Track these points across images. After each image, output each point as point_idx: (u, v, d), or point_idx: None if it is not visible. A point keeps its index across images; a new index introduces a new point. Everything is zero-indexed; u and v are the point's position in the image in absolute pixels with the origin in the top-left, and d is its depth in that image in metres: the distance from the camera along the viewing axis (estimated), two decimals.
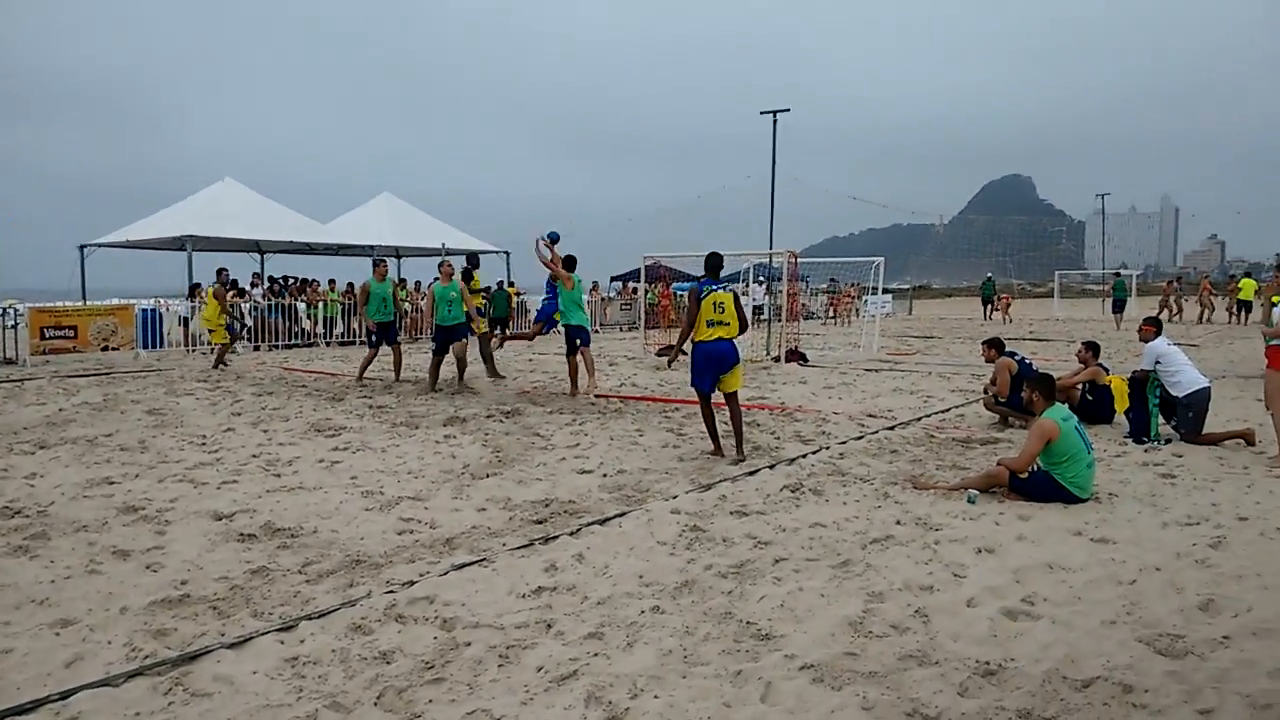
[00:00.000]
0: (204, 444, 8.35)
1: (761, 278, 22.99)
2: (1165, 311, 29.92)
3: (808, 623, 3.93)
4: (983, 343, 10.01)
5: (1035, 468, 6.08)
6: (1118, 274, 34.03)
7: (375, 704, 3.22)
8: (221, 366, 15.83)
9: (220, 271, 17.98)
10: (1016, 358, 9.16)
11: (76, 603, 4.22)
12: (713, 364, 7.57)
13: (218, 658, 3.61)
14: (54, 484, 6.65)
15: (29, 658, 3.62)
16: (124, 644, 3.74)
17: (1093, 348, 9.31)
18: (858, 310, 29.23)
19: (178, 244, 21.39)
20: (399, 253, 28.83)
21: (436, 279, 12.45)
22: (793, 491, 6.30)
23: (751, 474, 6.90)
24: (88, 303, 21.12)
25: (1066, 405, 8.51)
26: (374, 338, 13.36)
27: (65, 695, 3.26)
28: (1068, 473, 5.98)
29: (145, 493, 6.39)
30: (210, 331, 16.97)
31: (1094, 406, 9.02)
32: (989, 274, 37.93)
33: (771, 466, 7.15)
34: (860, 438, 8.49)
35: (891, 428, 9.06)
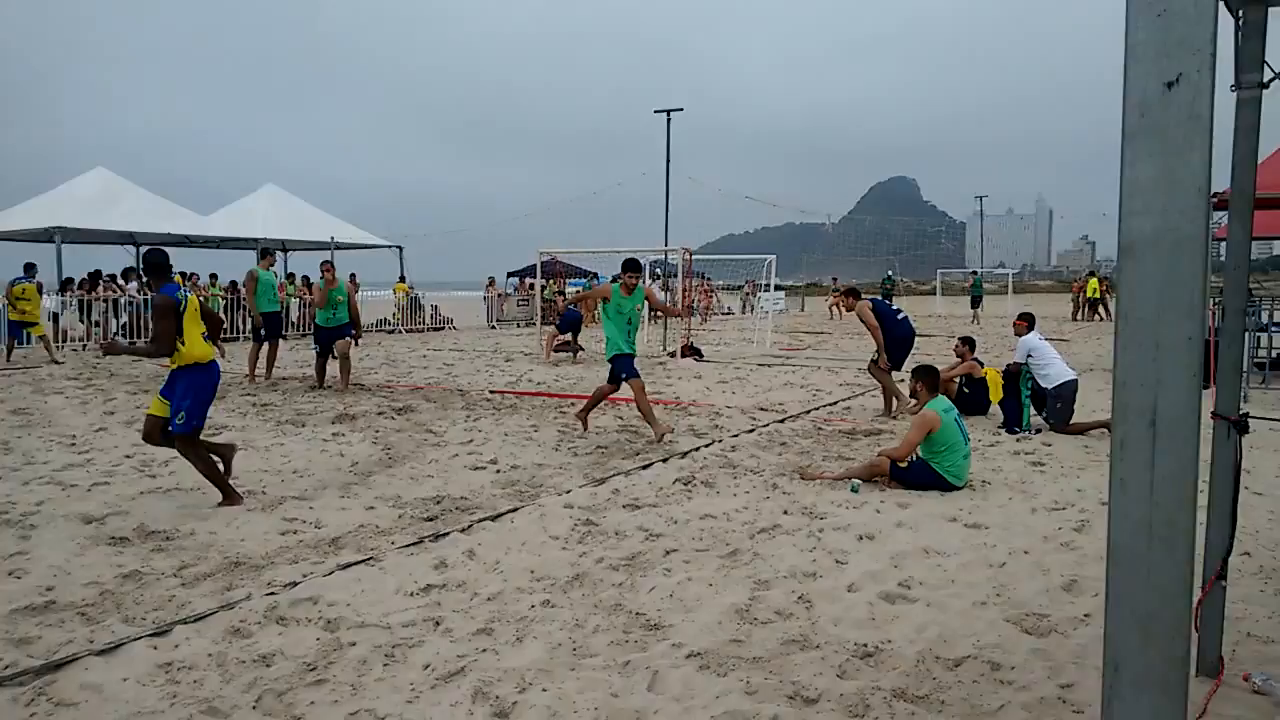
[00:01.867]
0: (74, 444, 7.94)
1: (658, 273, 23.19)
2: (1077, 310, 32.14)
3: (696, 612, 4.00)
4: (838, 292, 11.08)
5: (914, 457, 6.34)
6: (975, 273, 36.50)
7: (254, 707, 3.13)
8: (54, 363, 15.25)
9: (28, 266, 17.06)
10: (868, 298, 10.09)
11: None
12: None
13: (85, 665, 3.44)
14: None
15: None
16: None
17: (969, 343, 9.75)
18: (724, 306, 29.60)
19: (46, 235, 20.19)
20: (285, 246, 27.90)
21: (322, 279, 12.00)
22: (685, 484, 6.39)
23: (645, 468, 6.97)
24: None
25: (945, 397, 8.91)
26: (260, 331, 12.85)
27: None
28: (945, 461, 6.25)
29: (9, 495, 6.04)
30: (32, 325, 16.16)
31: (971, 398, 9.44)
32: (889, 271, 39.20)
33: (665, 460, 7.23)
34: (752, 431, 8.67)
35: (782, 420, 9.28)
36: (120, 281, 20.72)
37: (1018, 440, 8.21)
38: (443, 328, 27.17)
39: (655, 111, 21.11)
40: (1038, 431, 8.52)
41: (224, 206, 26.56)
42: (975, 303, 32.22)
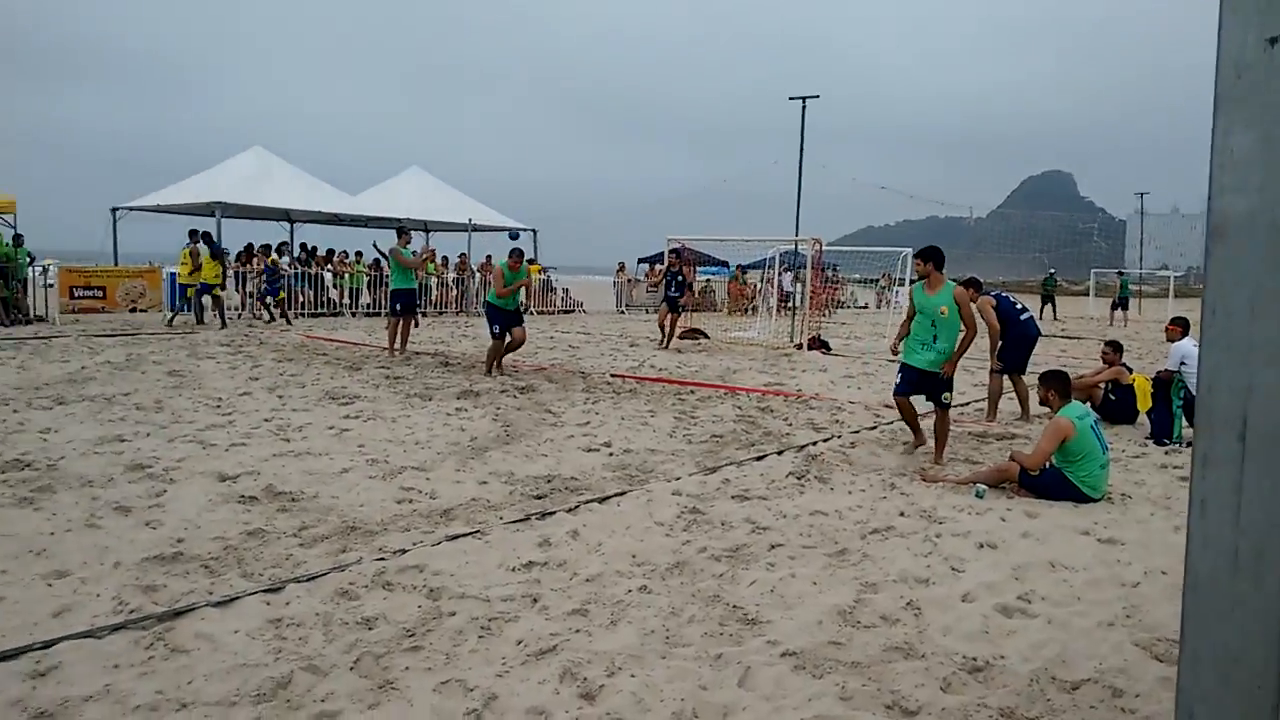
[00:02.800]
0: (219, 406, 8.41)
1: (787, 265, 22.81)
2: None
3: (796, 610, 3.88)
4: (961, 282, 9.62)
5: (1048, 464, 5.97)
6: (1121, 273, 33.90)
7: (351, 669, 3.21)
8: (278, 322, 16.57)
9: (204, 234, 18.20)
10: (994, 293, 9.27)
11: (72, 555, 4.26)
12: None
13: (202, 615, 3.62)
14: (66, 439, 6.73)
15: (19, 606, 3.65)
16: (112, 598, 3.76)
17: (1116, 347, 9.15)
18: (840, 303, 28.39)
19: (208, 210, 21.55)
20: (427, 227, 28.86)
21: (504, 262, 11.82)
22: (798, 478, 6.23)
23: (758, 459, 6.83)
24: (118, 265, 21.39)
25: (1088, 404, 8.36)
26: (397, 306, 13.32)
27: (48, 644, 3.28)
28: (1080, 471, 5.86)
29: (154, 451, 6.44)
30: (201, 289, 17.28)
31: (1116, 406, 8.86)
32: (1051, 270, 36.51)
33: (780, 452, 7.08)
34: (874, 428, 8.39)
35: (890, 423, 8.94)
36: (274, 255, 21.92)
37: (1166, 453, 7.65)
38: (573, 310, 27.57)
39: (790, 99, 20.69)
40: (1189, 445, 7.89)
41: (371, 187, 27.69)
42: (1119, 305, 30.14)
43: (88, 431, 7.03)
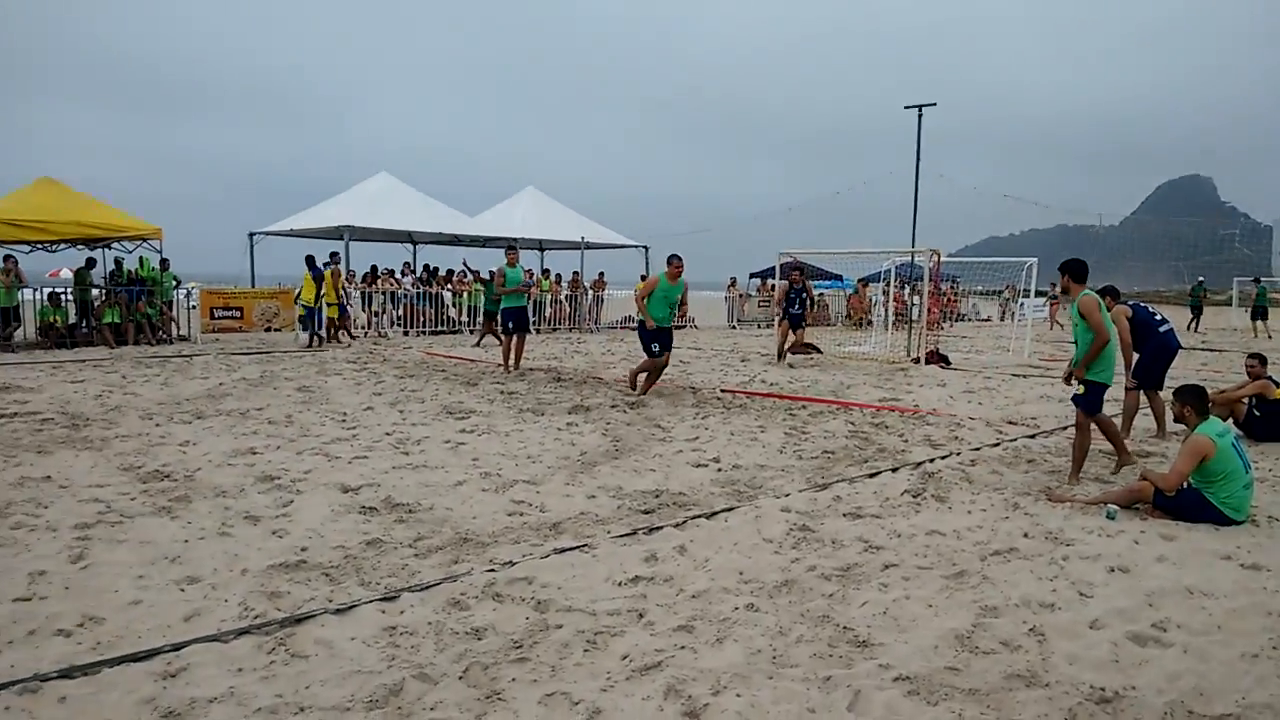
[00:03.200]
0: (344, 420, 8.76)
1: (904, 278, 22.27)
2: None
3: (910, 633, 3.74)
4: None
5: (1185, 485, 5.61)
6: (1257, 280, 31.24)
7: (460, 678, 3.27)
8: (332, 344, 17.07)
9: (333, 255, 18.94)
10: (1131, 303, 8.60)
11: (204, 562, 4.49)
12: None
13: (322, 622, 3.76)
14: (203, 452, 7.12)
15: (154, 610, 3.87)
16: (239, 603, 3.95)
17: (1262, 360, 8.53)
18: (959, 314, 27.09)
19: (336, 233, 22.57)
20: (541, 245, 29.47)
21: (662, 272, 10.90)
22: (914, 496, 6.04)
23: (872, 476, 6.66)
24: (255, 287, 22.58)
25: (1230, 420, 7.83)
26: (510, 325, 13.56)
27: (178, 647, 3.47)
28: (1221, 493, 5.48)
29: (284, 464, 6.75)
30: (306, 310, 17.92)
31: (1262, 422, 8.26)
32: (1200, 278, 34.42)
33: (894, 470, 6.88)
34: (996, 445, 8.07)
35: (1032, 436, 8.57)
36: (398, 275, 22.76)
37: None
38: (684, 325, 27.60)
39: (906, 107, 20.21)
40: None
41: (489, 208, 28.47)
42: (1258, 314, 27.95)
43: (223, 444, 7.43)
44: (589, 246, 26.66)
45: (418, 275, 23.18)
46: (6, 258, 16.70)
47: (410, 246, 27.64)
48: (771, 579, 4.36)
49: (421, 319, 21.42)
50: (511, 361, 13.51)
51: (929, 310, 16.40)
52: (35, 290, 17.34)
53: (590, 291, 25.84)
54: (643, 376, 10.96)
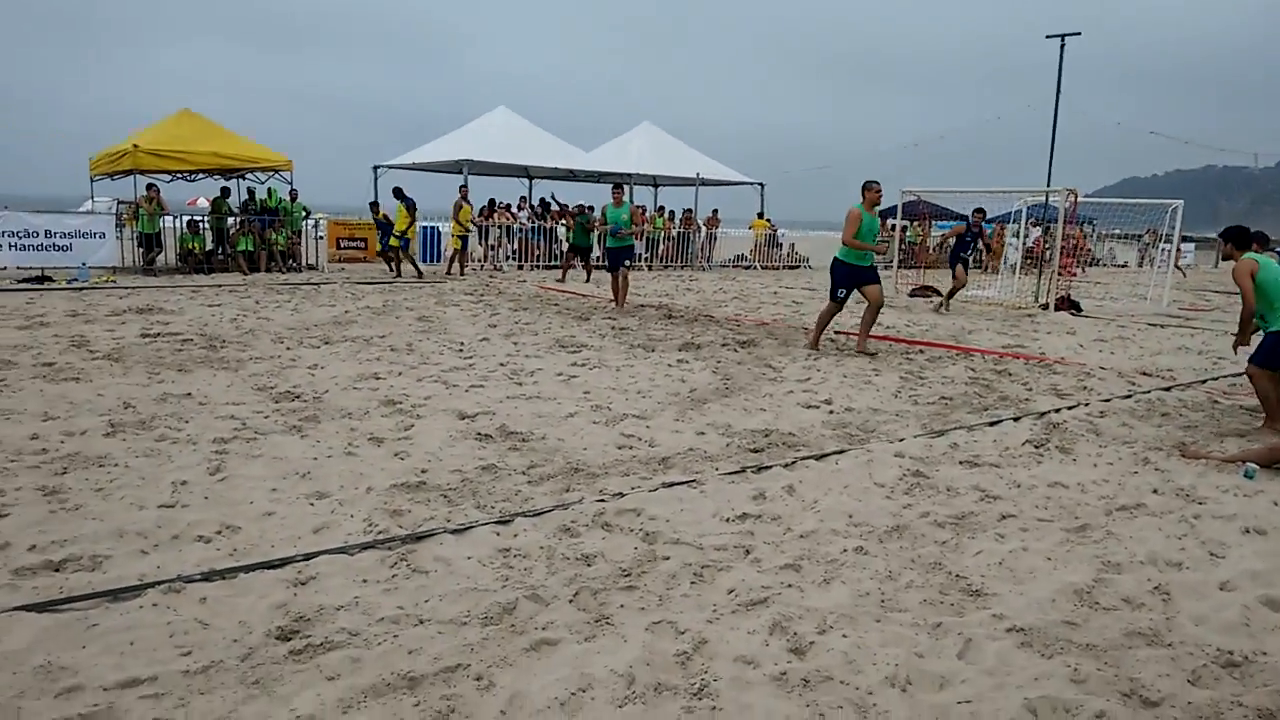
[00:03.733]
0: (461, 350, 9.00)
1: (1036, 219, 21.19)
2: None
3: (1026, 585, 3.64)
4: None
5: None
6: None
7: (570, 601, 3.36)
8: (451, 276, 17.57)
9: (462, 189, 19.22)
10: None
11: (332, 479, 4.72)
12: None
13: (440, 540, 3.91)
14: (330, 375, 7.45)
15: (286, 521, 4.10)
16: (364, 519, 4.14)
17: None
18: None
19: (456, 167, 22.96)
20: (655, 182, 29.30)
21: (858, 204, 9.93)
22: (1036, 447, 5.82)
23: (992, 424, 6.45)
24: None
25: None
26: (610, 263, 13.69)
27: (308, 557, 3.67)
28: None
29: (405, 389, 7.00)
30: (401, 241, 18.25)
31: None
32: None
33: (1016, 419, 6.64)
34: (1128, 396, 7.69)
35: (1168, 388, 8.13)
36: (514, 209, 23.05)
37: None
38: (798, 266, 27.14)
39: (1047, 37, 18.93)
40: None
41: (605, 142, 28.40)
42: None
43: (348, 369, 7.75)
44: (704, 183, 26.35)
45: (533, 208, 23.42)
46: (150, 186, 17.64)
47: (526, 181, 27.91)
48: (882, 523, 4.29)
49: (536, 253, 21.70)
50: (616, 299, 13.54)
51: (1067, 252, 15.59)
52: (175, 218, 18.31)
53: (703, 229, 25.63)
54: (812, 326, 9.87)
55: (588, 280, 18.23)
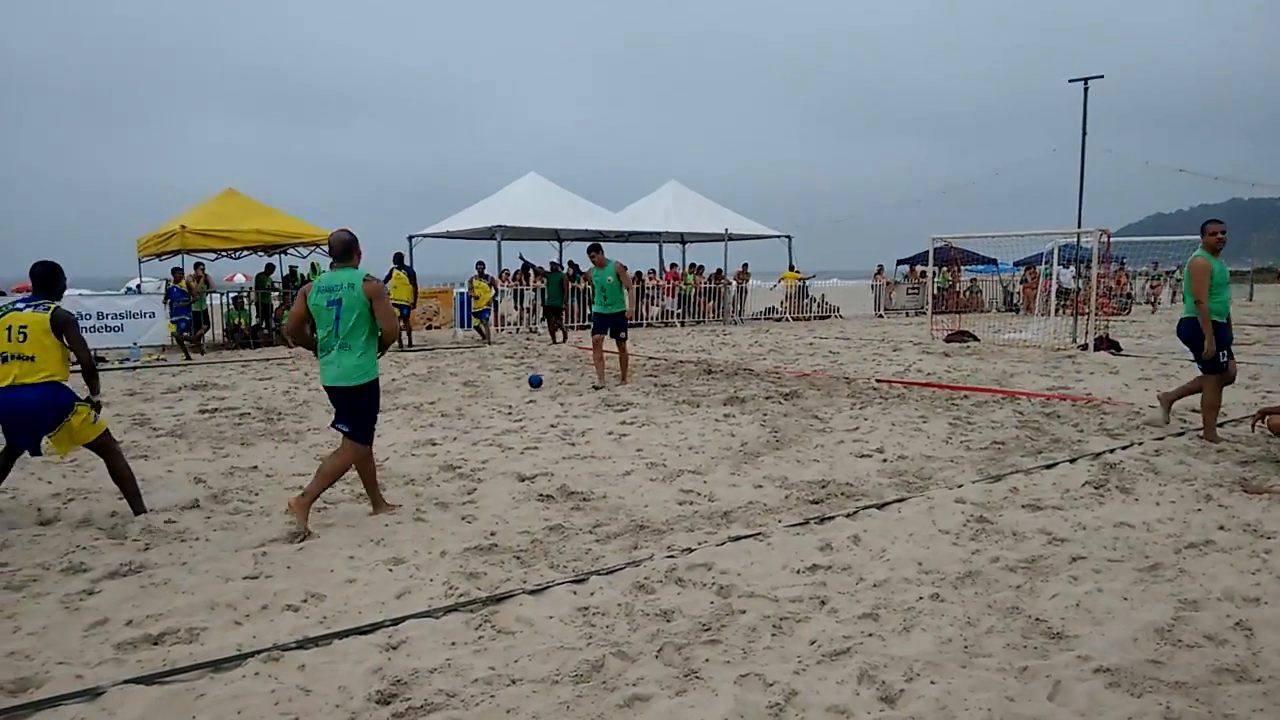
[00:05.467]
0: (510, 413, 9.14)
1: (1067, 259, 21.20)
2: None
3: (1106, 625, 3.65)
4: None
5: None
6: None
7: (656, 656, 3.42)
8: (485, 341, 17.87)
9: (479, 264, 19.80)
10: None
11: (405, 544, 4.83)
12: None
13: (520, 601, 3.99)
14: (389, 443, 7.61)
15: (369, 588, 4.20)
16: (443, 582, 4.24)
17: None
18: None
19: (489, 233, 23.43)
20: (683, 239, 29.68)
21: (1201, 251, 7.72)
22: (1096, 488, 5.82)
23: (1049, 467, 6.45)
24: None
25: None
26: (605, 330, 11.55)
27: (396, 622, 3.76)
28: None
29: (462, 454, 7.13)
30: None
31: None
32: None
33: (1072, 461, 6.64)
34: (1181, 434, 7.65)
35: (1220, 425, 8.07)
36: (185, 277, 23.21)
37: None
38: (828, 316, 27.24)
39: (1070, 81, 19.13)
40: None
41: (631, 203, 28.88)
42: None
43: (404, 436, 7.91)
44: (732, 238, 26.66)
45: (566, 272, 23.77)
46: (197, 265, 18.17)
47: (557, 243, 28.37)
48: (953, 570, 4.32)
49: (569, 314, 21.97)
50: (597, 368, 11.55)
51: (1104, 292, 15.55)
52: (220, 295, 18.80)
53: (733, 283, 25.85)
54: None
55: (562, 341, 18.47)
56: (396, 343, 17.17)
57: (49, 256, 5.57)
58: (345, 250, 5.43)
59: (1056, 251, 17.84)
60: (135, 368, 14.26)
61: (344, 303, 5.27)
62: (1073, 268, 19.76)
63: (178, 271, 17.39)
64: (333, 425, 5.44)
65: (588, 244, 12.11)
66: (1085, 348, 15.12)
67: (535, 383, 11.24)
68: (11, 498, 5.84)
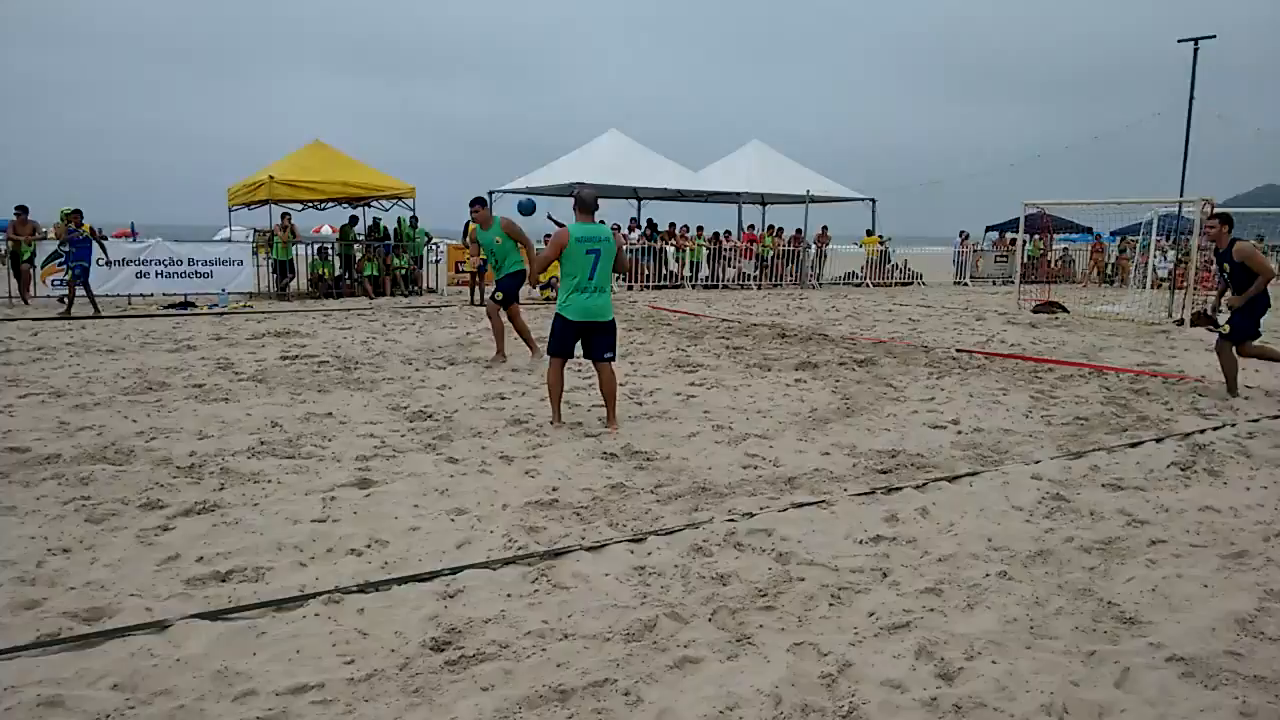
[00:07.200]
0: (580, 371, 9.14)
1: (1166, 230, 20.22)
2: None
3: (1183, 613, 3.48)
4: (1211, 216, 8.47)
5: None
6: None
7: (709, 620, 3.39)
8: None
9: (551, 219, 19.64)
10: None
11: (468, 496, 4.88)
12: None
13: (577, 557, 4.00)
14: (459, 395, 7.70)
15: (430, 537, 4.26)
16: (503, 535, 4.27)
17: None
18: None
19: (567, 191, 23.43)
20: (764, 200, 29.23)
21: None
22: (1182, 469, 5.56)
23: (1133, 445, 6.18)
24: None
25: None
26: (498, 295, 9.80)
27: (455, 571, 3.81)
28: None
29: (529, 409, 7.18)
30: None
31: None
32: None
33: (1159, 440, 6.35)
34: (1278, 416, 7.26)
35: None
36: (624, 231, 23.35)
37: None
38: (911, 283, 26.61)
39: (1179, 41, 18.04)
40: None
41: (714, 162, 28.51)
42: None
43: (474, 389, 8.00)
44: (813, 200, 26.14)
45: (642, 231, 23.67)
46: (284, 215, 18.61)
47: (635, 202, 28.24)
48: (1024, 548, 4.18)
49: (645, 273, 21.90)
50: (502, 344, 9.93)
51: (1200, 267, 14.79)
52: (306, 245, 19.25)
53: (813, 246, 25.41)
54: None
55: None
56: (468, 298, 17.40)
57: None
58: (593, 205, 6.57)
59: (1155, 221, 17.02)
60: (222, 313, 14.74)
61: (601, 253, 6.36)
62: (1171, 253, 18.76)
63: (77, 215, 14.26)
64: (596, 359, 6.58)
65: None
66: (1181, 323, 14.46)
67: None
68: (97, 434, 6.09)
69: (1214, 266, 8.04)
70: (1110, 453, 5.98)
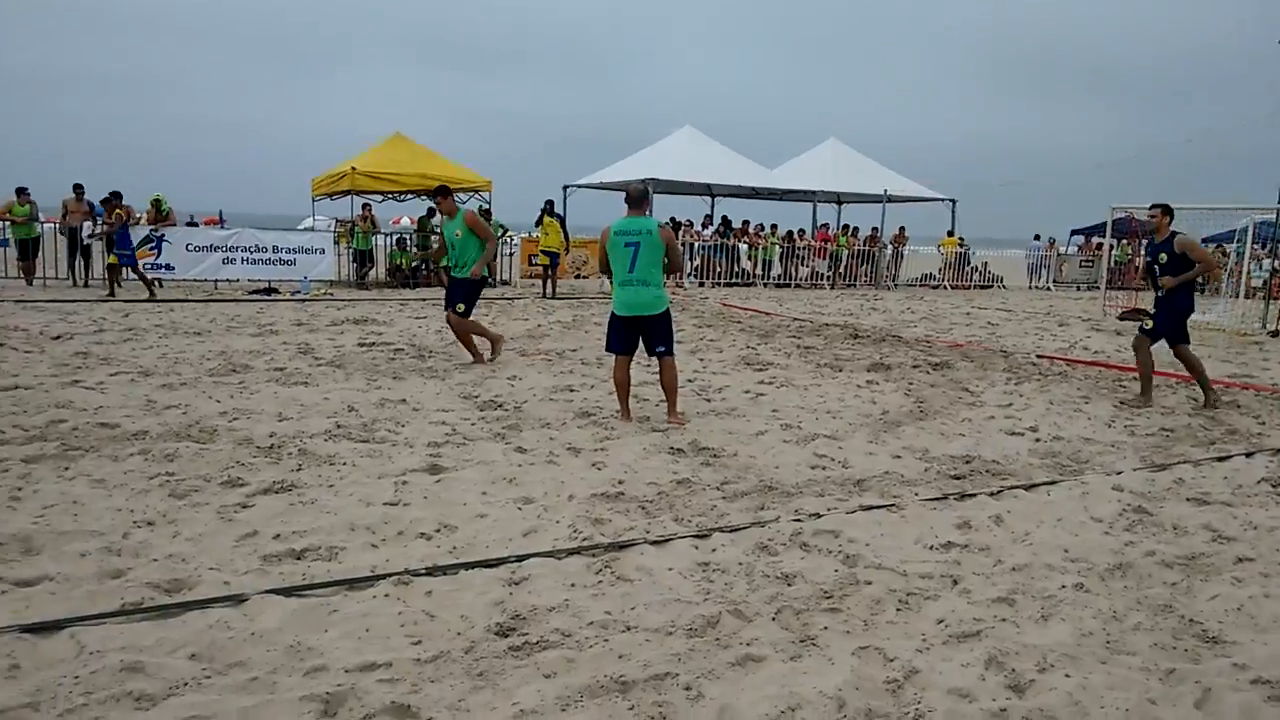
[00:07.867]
0: (648, 365, 9.14)
1: (1264, 238, 19.33)
2: None
3: (1271, 634, 3.33)
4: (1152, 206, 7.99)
5: None
6: None
7: (773, 619, 3.36)
8: None
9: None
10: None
11: (536, 485, 4.93)
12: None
13: (641, 550, 4.00)
14: (529, 386, 7.79)
15: (498, 524, 4.32)
16: (568, 525, 4.30)
17: None
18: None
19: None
20: (840, 199, 28.85)
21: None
22: (1274, 485, 5.33)
23: (1221, 459, 5.94)
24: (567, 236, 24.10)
25: None
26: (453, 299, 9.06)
27: (521, 558, 3.85)
28: None
29: (598, 402, 7.22)
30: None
31: None
32: None
33: (1249, 455, 6.09)
34: None
35: None
36: (698, 228, 23.30)
37: None
38: (990, 286, 26.00)
39: (1279, 43, 17.24)
40: None
41: (789, 160, 28.25)
42: None
43: (545, 381, 8.07)
44: (890, 199, 25.71)
45: (716, 228, 23.59)
46: (365, 205, 19.04)
47: (709, 199, 28.14)
48: (1102, 560, 4.04)
49: (717, 270, 21.83)
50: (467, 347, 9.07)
51: None
52: (385, 236, 19.67)
53: (889, 246, 25.01)
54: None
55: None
56: (541, 290, 17.61)
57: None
58: (641, 199, 6.58)
59: (1251, 228, 16.30)
60: (305, 300, 15.15)
61: (641, 245, 6.33)
62: (1267, 262, 17.92)
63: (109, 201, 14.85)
64: (653, 353, 6.62)
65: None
66: (1276, 334, 13.84)
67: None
68: (183, 413, 6.31)
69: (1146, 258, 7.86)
70: (1197, 466, 5.75)
